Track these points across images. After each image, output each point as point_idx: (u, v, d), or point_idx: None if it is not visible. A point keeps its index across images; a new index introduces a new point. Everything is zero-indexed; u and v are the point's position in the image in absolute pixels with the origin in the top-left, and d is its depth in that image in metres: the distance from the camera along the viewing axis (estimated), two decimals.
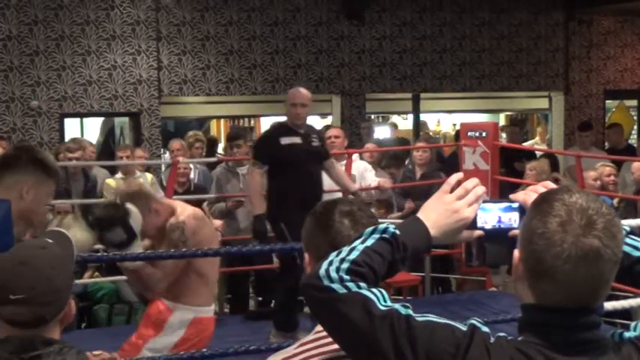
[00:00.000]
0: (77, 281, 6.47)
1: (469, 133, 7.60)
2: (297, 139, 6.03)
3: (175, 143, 8.22)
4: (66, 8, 10.09)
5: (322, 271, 1.64)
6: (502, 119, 13.86)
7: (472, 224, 1.81)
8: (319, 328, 1.90)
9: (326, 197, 5.85)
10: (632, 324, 1.68)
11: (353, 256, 1.66)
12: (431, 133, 12.53)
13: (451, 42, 12.10)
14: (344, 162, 7.31)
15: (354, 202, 2.06)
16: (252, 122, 13.42)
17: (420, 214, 1.79)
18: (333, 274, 1.63)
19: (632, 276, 1.70)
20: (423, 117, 12.99)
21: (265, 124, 12.90)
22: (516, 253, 1.64)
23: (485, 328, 1.62)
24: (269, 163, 5.98)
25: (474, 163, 7.48)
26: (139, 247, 4.06)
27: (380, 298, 1.62)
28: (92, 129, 11.27)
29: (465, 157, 7.57)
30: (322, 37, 11.38)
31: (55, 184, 3.31)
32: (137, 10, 10.43)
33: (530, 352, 1.57)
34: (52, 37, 10.04)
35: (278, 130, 6.35)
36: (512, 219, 1.82)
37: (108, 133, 11.38)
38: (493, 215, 1.83)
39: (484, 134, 7.50)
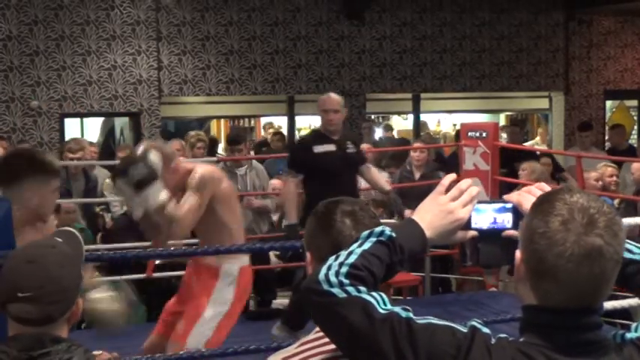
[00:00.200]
0: None
1: (469, 134, 7.59)
2: (331, 147, 5.88)
3: (175, 143, 8.19)
4: (66, 8, 10.09)
5: (322, 276, 1.64)
6: (502, 119, 13.84)
7: (466, 225, 1.82)
8: None
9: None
10: (634, 325, 1.67)
11: (351, 259, 1.66)
12: (431, 134, 12.53)
13: (451, 42, 12.10)
14: None
15: (357, 202, 2.06)
16: (252, 122, 13.42)
17: (415, 216, 1.80)
18: (333, 279, 1.63)
19: (624, 277, 1.69)
20: (423, 117, 12.98)
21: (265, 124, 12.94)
22: (518, 254, 1.63)
23: (486, 330, 1.62)
24: (303, 172, 5.87)
25: (474, 164, 7.47)
26: (160, 190, 4.03)
27: (380, 302, 1.62)
28: (92, 129, 11.26)
29: (465, 158, 7.56)
30: (322, 38, 11.38)
31: (57, 180, 3.39)
32: (137, 10, 10.43)
33: (532, 353, 1.57)
34: (52, 37, 10.05)
35: (312, 137, 6.21)
36: (505, 220, 1.82)
37: (108, 133, 11.37)
38: (487, 216, 1.83)
39: (484, 134, 7.49)
